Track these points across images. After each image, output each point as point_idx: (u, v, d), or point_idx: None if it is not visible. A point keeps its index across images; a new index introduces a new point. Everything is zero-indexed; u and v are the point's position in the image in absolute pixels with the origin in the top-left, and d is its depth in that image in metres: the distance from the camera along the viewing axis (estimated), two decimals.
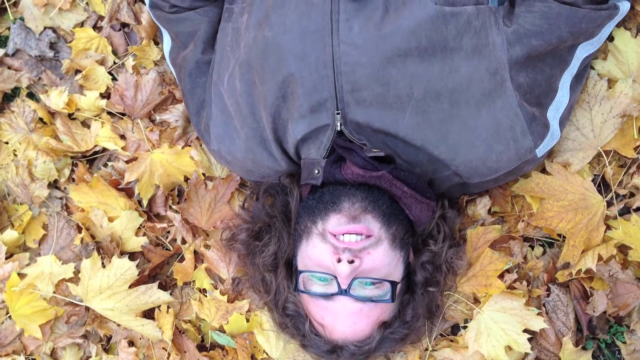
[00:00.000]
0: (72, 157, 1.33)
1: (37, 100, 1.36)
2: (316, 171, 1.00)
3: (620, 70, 1.14)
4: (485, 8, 0.92)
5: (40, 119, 1.33)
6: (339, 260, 0.92)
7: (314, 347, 1.02)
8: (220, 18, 1.09)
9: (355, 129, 0.96)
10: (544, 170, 1.18)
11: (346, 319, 0.96)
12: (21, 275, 1.27)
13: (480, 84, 0.92)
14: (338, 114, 0.95)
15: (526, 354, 1.16)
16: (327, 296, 0.95)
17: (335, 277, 0.93)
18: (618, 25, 1.15)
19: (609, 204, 1.16)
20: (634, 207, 1.17)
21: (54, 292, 1.26)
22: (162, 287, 1.24)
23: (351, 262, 0.91)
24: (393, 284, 0.96)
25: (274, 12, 0.95)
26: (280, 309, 1.05)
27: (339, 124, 0.95)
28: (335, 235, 0.94)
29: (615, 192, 1.18)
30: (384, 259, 0.95)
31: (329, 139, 0.97)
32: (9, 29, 1.37)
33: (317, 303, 0.97)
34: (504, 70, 0.92)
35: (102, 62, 1.34)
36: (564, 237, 1.16)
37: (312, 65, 0.92)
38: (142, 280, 1.23)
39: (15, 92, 1.38)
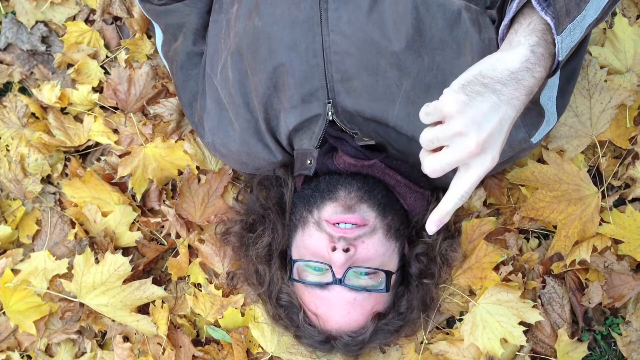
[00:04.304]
0: (64, 152, 1.33)
1: (30, 94, 1.35)
2: (308, 161, 1.00)
3: (617, 58, 1.14)
4: (477, 8, 0.91)
5: (33, 114, 1.33)
6: (334, 249, 0.92)
7: (307, 338, 1.01)
8: (208, 9, 1.09)
9: (347, 118, 0.95)
10: (540, 160, 1.18)
11: (340, 309, 0.95)
12: (15, 271, 1.26)
13: None
14: (329, 103, 0.94)
15: (521, 346, 1.16)
16: (322, 285, 0.95)
17: (330, 267, 0.93)
18: (614, 14, 1.15)
19: (605, 195, 1.16)
20: (629, 198, 1.17)
21: (48, 288, 1.25)
22: (156, 282, 1.24)
23: (346, 250, 0.91)
24: (388, 273, 0.96)
25: (264, 1, 0.94)
26: (273, 300, 1.05)
27: (330, 113, 0.95)
28: (330, 223, 0.94)
29: (609, 183, 1.17)
30: (378, 249, 0.95)
31: (321, 129, 0.97)
32: (0, 23, 1.36)
33: (311, 292, 0.97)
34: None
35: (94, 56, 1.34)
36: None
37: (302, 54, 0.92)
38: (136, 275, 1.23)
39: (7, 87, 1.37)
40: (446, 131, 0.65)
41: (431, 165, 0.66)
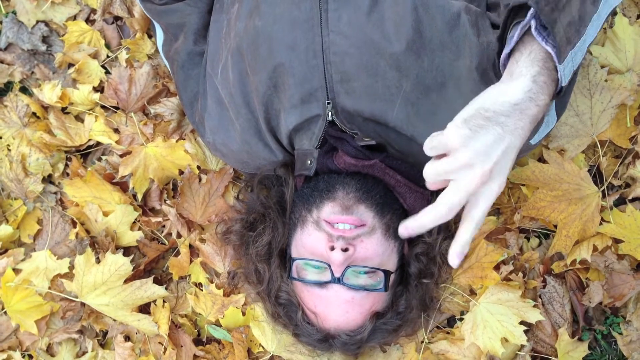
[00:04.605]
0: (65, 152, 1.33)
1: (30, 94, 1.35)
2: (309, 162, 1.00)
3: (617, 58, 1.14)
4: (477, 10, 0.91)
5: (34, 114, 1.33)
6: (333, 248, 0.92)
7: (306, 336, 1.01)
8: (209, 9, 1.09)
9: (347, 118, 0.95)
10: (540, 159, 1.18)
11: (338, 308, 0.95)
12: (16, 271, 1.26)
13: (469, 82, 0.91)
14: (329, 103, 0.94)
15: (522, 346, 1.16)
16: (321, 284, 0.95)
17: (329, 265, 0.93)
18: (614, 14, 1.15)
19: (605, 194, 1.16)
20: (630, 197, 1.17)
21: (49, 288, 1.26)
22: (157, 281, 1.24)
23: (345, 250, 0.91)
24: (387, 273, 0.96)
25: (264, 1, 0.94)
26: (272, 298, 1.05)
27: (330, 113, 0.95)
28: (329, 223, 0.94)
29: (610, 182, 1.17)
30: (377, 248, 0.95)
31: (321, 129, 0.97)
32: (0, 22, 1.36)
33: (310, 291, 0.97)
34: (491, 71, 0.91)
35: (95, 56, 1.34)
36: None
37: (301, 55, 0.92)
38: (137, 274, 1.23)
39: (8, 87, 1.37)
40: (452, 164, 0.65)
41: (448, 203, 0.66)
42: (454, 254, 0.69)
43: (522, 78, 0.69)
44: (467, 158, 0.64)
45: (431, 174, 0.67)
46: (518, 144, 0.67)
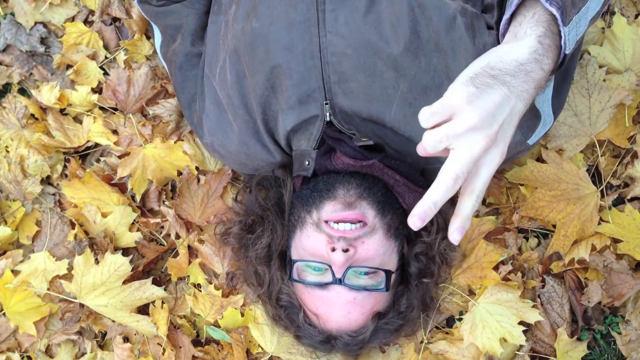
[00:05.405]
0: (64, 153, 1.33)
1: (29, 95, 1.35)
2: (307, 162, 1.00)
3: (615, 57, 1.14)
4: (473, 11, 0.91)
5: (32, 115, 1.33)
6: (334, 249, 0.91)
7: (308, 338, 1.01)
8: (207, 10, 1.09)
9: (345, 119, 0.95)
10: (539, 159, 1.18)
11: (340, 308, 0.95)
12: (15, 272, 1.26)
13: None
14: (327, 104, 0.94)
15: (521, 346, 1.16)
16: (322, 285, 0.95)
17: (330, 266, 0.93)
18: (612, 13, 1.15)
19: (604, 194, 1.16)
20: (628, 197, 1.17)
21: (48, 289, 1.25)
22: (156, 282, 1.24)
23: (346, 250, 0.91)
24: (388, 273, 0.96)
25: (262, 3, 0.94)
26: (273, 300, 1.05)
27: (327, 114, 0.95)
28: (329, 224, 0.94)
29: (609, 182, 1.17)
30: (378, 249, 0.95)
31: (319, 130, 0.97)
32: None
33: (311, 292, 0.97)
34: None
35: (93, 57, 1.34)
36: None
37: (299, 56, 0.92)
38: (136, 276, 1.23)
39: (6, 88, 1.37)
40: (457, 127, 0.61)
41: (453, 173, 0.61)
42: (454, 229, 0.63)
43: (528, 38, 0.67)
44: (474, 118, 0.61)
45: (431, 139, 0.62)
46: (522, 109, 0.65)
